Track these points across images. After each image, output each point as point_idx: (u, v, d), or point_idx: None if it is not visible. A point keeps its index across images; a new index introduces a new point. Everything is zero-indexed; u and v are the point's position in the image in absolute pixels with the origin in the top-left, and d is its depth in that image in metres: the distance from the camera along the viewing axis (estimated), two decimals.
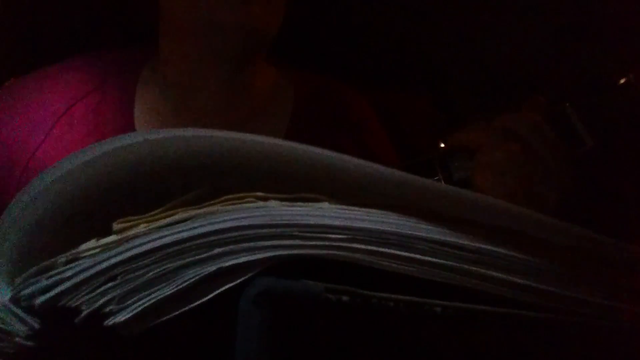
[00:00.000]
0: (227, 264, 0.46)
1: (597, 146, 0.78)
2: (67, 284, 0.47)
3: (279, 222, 0.47)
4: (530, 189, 0.77)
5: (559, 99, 0.80)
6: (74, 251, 0.49)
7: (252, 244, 0.47)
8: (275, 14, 0.92)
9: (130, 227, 0.49)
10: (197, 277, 0.46)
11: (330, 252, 0.47)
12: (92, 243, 0.49)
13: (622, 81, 0.77)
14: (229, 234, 0.47)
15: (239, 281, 0.46)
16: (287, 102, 1.01)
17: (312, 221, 0.48)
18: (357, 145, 1.00)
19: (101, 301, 0.46)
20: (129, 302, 0.46)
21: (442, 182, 0.80)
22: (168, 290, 0.46)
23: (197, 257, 0.46)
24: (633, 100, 0.77)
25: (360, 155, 0.52)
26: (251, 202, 0.49)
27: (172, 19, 0.94)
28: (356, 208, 0.50)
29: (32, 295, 0.48)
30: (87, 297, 0.46)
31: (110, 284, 0.46)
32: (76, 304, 0.46)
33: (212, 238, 0.47)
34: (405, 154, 1.02)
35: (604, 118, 0.78)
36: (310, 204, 0.50)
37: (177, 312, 0.45)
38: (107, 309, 0.46)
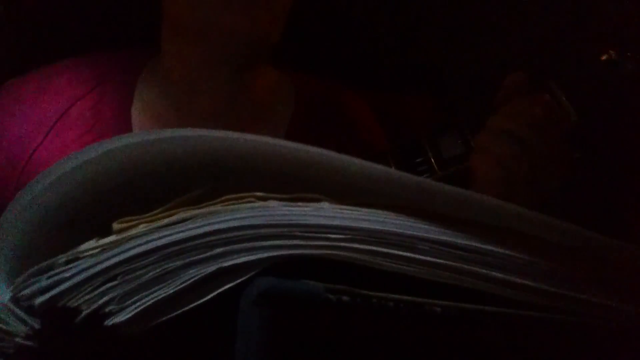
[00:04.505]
0: (227, 264, 0.46)
1: (583, 127, 0.78)
2: (67, 284, 0.47)
3: (279, 222, 0.47)
4: (531, 175, 0.77)
5: (542, 75, 0.80)
6: (74, 251, 0.49)
7: (252, 244, 0.47)
8: (277, 18, 0.92)
9: (130, 227, 0.49)
10: (197, 277, 0.46)
11: (330, 252, 0.47)
12: (92, 243, 0.49)
13: (603, 57, 0.78)
14: (229, 234, 0.47)
15: (239, 281, 0.46)
16: (288, 105, 1.01)
17: (312, 221, 0.48)
18: (357, 146, 1.01)
19: (101, 301, 0.46)
20: (129, 302, 0.46)
21: (432, 160, 0.80)
22: (168, 290, 0.46)
23: (197, 257, 0.46)
24: (615, 77, 0.77)
25: (359, 156, 0.52)
26: (251, 202, 0.49)
27: (175, 22, 0.94)
28: (356, 208, 0.50)
29: (32, 295, 0.48)
30: (87, 297, 0.46)
31: (110, 284, 0.46)
32: (76, 304, 0.46)
33: (212, 238, 0.47)
34: None
35: (587, 94, 0.78)
36: (310, 204, 0.50)
37: (177, 312, 0.45)
38: (107, 309, 0.46)
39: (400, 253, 0.48)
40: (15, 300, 0.49)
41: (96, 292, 0.46)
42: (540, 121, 0.78)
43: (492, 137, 0.78)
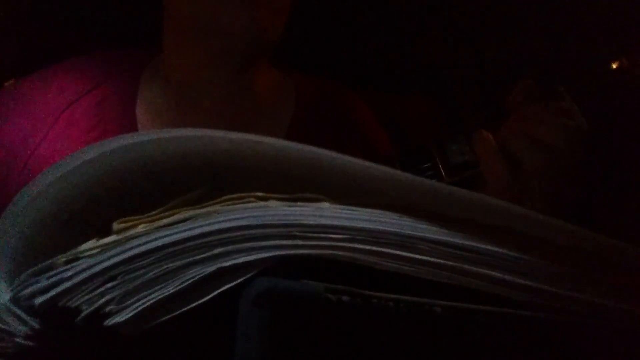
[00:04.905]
0: (227, 264, 0.46)
1: (594, 135, 0.79)
2: (67, 284, 0.47)
3: (279, 222, 0.47)
4: (552, 182, 0.77)
5: (552, 82, 0.80)
6: (74, 251, 0.49)
7: (252, 244, 0.47)
8: (278, 17, 0.92)
9: (130, 227, 0.49)
10: (197, 277, 0.46)
11: (330, 252, 0.47)
12: (92, 243, 0.49)
13: (614, 66, 0.78)
14: (229, 234, 0.47)
15: (239, 281, 0.46)
16: (289, 104, 1.01)
17: (312, 221, 0.48)
18: (358, 146, 1.01)
19: (101, 301, 0.46)
20: (129, 302, 0.46)
21: (439, 166, 0.80)
22: (168, 290, 0.46)
23: (197, 257, 0.46)
24: (626, 84, 0.77)
25: (361, 157, 0.52)
26: (251, 202, 0.49)
27: (176, 21, 0.94)
28: (356, 208, 0.50)
29: (32, 295, 0.48)
30: (87, 297, 0.46)
31: (110, 284, 0.46)
32: (76, 304, 0.46)
33: (212, 238, 0.47)
34: None
35: (597, 102, 0.79)
36: (310, 204, 0.50)
37: (177, 312, 0.45)
38: (107, 309, 0.46)
39: (400, 253, 0.48)
40: (15, 300, 0.49)
41: (96, 292, 0.46)
42: (567, 129, 0.78)
43: (513, 140, 0.78)
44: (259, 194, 0.50)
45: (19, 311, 0.48)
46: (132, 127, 0.96)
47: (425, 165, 0.81)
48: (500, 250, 0.50)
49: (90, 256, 0.48)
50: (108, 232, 0.50)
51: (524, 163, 0.78)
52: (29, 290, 0.48)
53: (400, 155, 0.83)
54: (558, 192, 0.78)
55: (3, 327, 0.49)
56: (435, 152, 0.81)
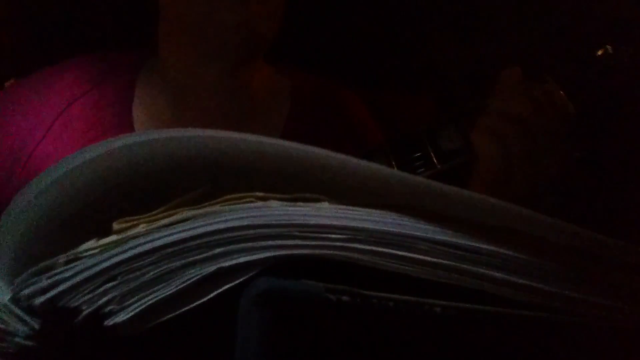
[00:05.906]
0: (227, 264, 0.46)
1: (580, 120, 0.79)
2: (67, 284, 0.47)
3: (279, 222, 0.47)
4: (529, 152, 0.79)
5: (538, 69, 0.81)
6: (74, 251, 0.49)
7: (252, 244, 0.47)
8: (274, 15, 0.92)
9: (130, 227, 0.49)
10: (197, 277, 0.46)
11: (330, 252, 0.47)
12: (92, 243, 0.49)
13: (599, 52, 0.78)
14: (229, 234, 0.47)
15: (239, 281, 0.46)
16: (285, 102, 1.01)
17: (312, 221, 0.48)
18: (354, 143, 1.01)
19: (101, 301, 0.46)
20: (129, 302, 0.46)
21: (431, 154, 0.81)
22: (168, 290, 0.46)
23: (197, 257, 0.46)
24: (611, 71, 0.78)
25: (359, 152, 0.52)
26: (251, 202, 0.49)
27: (172, 20, 0.94)
28: (356, 208, 0.50)
29: (32, 295, 0.48)
30: (87, 297, 0.46)
31: (110, 284, 0.46)
32: (76, 304, 0.46)
33: (212, 238, 0.47)
34: None
35: (584, 89, 0.79)
36: (310, 204, 0.50)
37: (177, 312, 0.45)
38: (107, 309, 0.46)
39: (400, 253, 0.48)
40: (15, 300, 0.49)
41: (96, 292, 0.46)
42: (539, 102, 0.79)
43: (493, 116, 0.80)
44: (259, 194, 0.50)
45: (19, 311, 0.48)
46: (129, 128, 0.96)
47: (417, 154, 0.81)
48: (500, 250, 0.50)
49: (90, 256, 0.48)
50: (108, 232, 0.50)
51: (510, 144, 0.79)
52: (29, 290, 0.48)
53: (393, 145, 0.83)
54: (534, 163, 0.79)
55: (3, 327, 0.49)
56: (426, 141, 0.81)
